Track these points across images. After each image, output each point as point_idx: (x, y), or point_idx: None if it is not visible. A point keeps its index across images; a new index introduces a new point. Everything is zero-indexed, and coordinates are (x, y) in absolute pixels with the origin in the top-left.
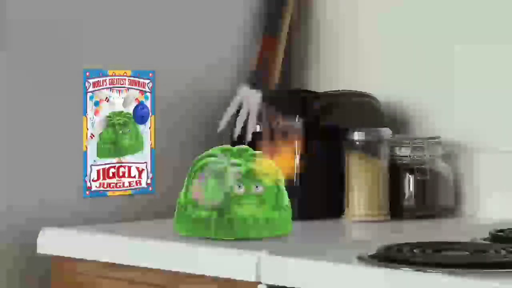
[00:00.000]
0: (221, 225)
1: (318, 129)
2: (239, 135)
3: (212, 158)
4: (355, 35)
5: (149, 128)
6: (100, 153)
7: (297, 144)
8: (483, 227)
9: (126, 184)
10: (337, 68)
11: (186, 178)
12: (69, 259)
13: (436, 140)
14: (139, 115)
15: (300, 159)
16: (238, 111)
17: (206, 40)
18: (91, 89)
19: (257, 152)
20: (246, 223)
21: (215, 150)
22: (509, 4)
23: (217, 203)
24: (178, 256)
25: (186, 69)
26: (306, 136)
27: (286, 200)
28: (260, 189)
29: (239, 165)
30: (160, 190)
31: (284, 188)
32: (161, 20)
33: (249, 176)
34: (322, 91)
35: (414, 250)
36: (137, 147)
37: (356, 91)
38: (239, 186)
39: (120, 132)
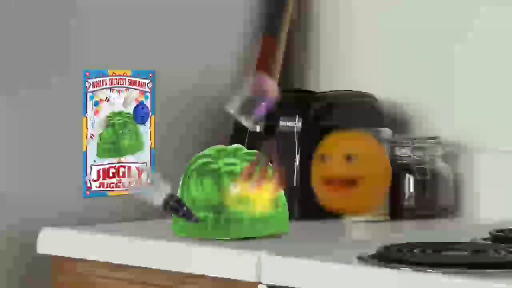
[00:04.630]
0: (218, 225)
1: (318, 129)
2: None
3: (207, 158)
4: (355, 35)
5: (149, 128)
6: (100, 153)
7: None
8: (483, 227)
9: (126, 184)
10: (337, 68)
11: (182, 178)
12: (69, 259)
13: (436, 140)
14: (139, 115)
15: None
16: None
17: (206, 40)
18: (91, 89)
19: (252, 151)
20: (242, 223)
21: (210, 150)
22: (509, 4)
23: (213, 203)
24: (178, 256)
25: (186, 69)
26: (307, 136)
27: (282, 199)
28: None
29: (234, 164)
30: None
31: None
32: (161, 20)
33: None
34: (322, 91)
35: (414, 250)
36: (137, 147)
37: (356, 91)
38: (235, 186)
39: (120, 132)
